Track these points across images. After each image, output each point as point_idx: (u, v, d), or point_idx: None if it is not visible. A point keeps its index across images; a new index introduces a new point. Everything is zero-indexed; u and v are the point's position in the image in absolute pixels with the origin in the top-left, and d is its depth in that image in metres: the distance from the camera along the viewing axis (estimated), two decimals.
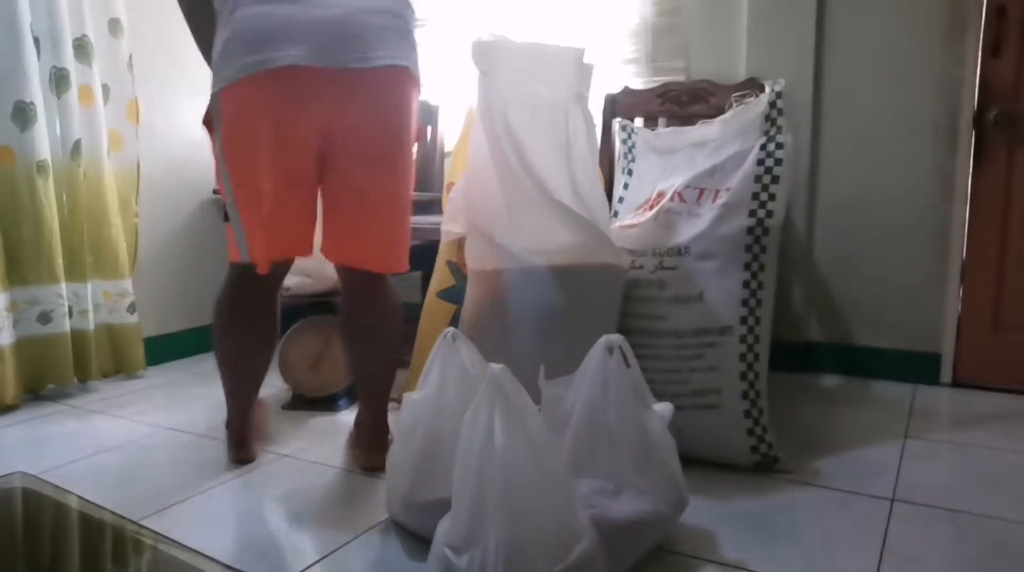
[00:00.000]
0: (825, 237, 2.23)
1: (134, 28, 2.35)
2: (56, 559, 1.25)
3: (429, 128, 2.78)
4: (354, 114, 1.40)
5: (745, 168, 1.57)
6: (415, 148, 1.51)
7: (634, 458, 1.17)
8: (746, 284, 1.54)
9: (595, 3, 2.52)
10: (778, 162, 1.55)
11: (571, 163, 1.53)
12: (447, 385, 1.24)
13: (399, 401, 1.87)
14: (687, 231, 1.59)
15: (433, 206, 2.53)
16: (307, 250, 1.52)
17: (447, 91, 2.77)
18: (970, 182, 2.03)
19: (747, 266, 1.54)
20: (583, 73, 1.56)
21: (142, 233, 2.45)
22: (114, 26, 2.30)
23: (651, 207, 1.70)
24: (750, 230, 1.55)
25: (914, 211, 2.11)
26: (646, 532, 1.17)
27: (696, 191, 1.63)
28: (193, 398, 2.15)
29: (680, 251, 1.58)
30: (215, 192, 2.68)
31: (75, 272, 2.23)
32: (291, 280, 2.09)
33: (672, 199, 1.64)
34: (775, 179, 1.55)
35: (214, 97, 1.40)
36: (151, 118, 2.46)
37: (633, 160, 1.93)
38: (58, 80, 2.14)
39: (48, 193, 2.11)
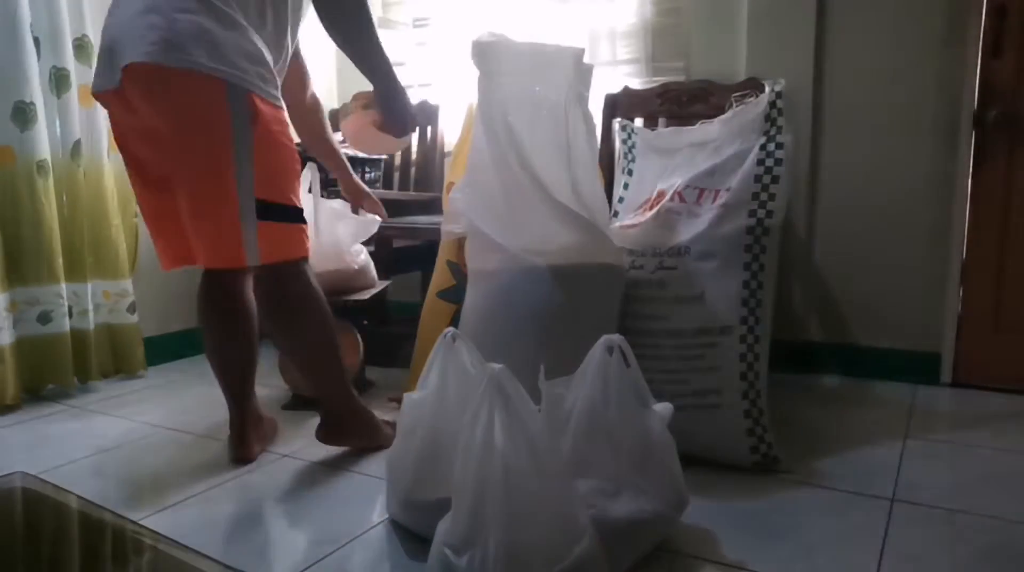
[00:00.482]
0: (825, 237, 2.23)
1: None
2: (56, 559, 1.25)
3: (429, 128, 2.79)
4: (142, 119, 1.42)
5: (745, 168, 1.57)
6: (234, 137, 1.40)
7: (634, 458, 1.17)
8: (746, 284, 1.54)
9: (595, 3, 2.52)
10: (778, 162, 1.55)
11: (571, 163, 1.53)
12: (447, 385, 1.24)
13: (399, 401, 1.87)
14: (687, 231, 1.59)
15: (433, 206, 2.53)
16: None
17: (447, 91, 2.77)
18: (970, 182, 2.03)
19: (747, 266, 1.54)
20: (583, 73, 1.56)
21: (142, 233, 2.45)
22: None
23: (651, 207, 1.70)
24: (750, 230, 1.55)
25: (914, 211, 2.11)
26: (646, 532, 1.17)
27: (696, 191, 1.63)
28: (193, 398, 2.15)
29: (680, 251, 1.58)
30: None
31: (75, 272, 2.22)
32: None
33: (672, 199, 1.64)
34: (775, 179, 1.55)
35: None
36: None
37: (633, 160, 1.93)
38: (58, 80, 2.14)
39: (48, 193, 2.11)
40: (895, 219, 2.13)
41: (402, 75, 3.12)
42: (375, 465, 1.60)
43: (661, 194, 1.70)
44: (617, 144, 2.00)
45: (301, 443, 1.76)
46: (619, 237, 1.65)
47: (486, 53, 1.52)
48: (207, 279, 1.62)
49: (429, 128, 2.78)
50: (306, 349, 1.58)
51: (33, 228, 2.10)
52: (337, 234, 2.01)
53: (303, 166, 1.68)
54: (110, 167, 2.28)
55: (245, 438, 1.67)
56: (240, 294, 1.64)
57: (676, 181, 1.67)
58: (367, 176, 2.46)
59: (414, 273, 2.67)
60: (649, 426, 1.19)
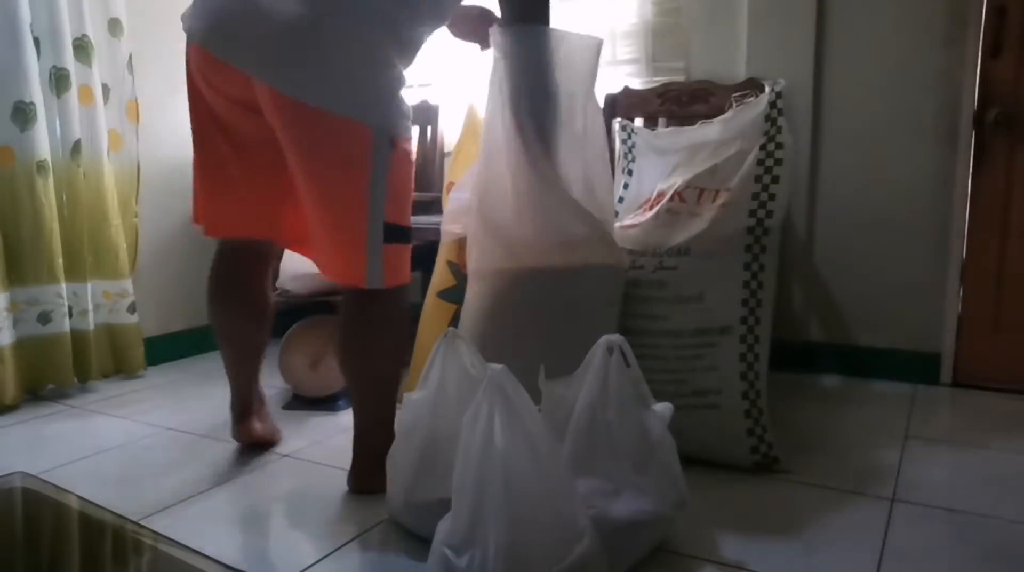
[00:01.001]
0: (825, 237, 2.23)
1: (134, 28, 2.35)
2: (56, 559, 1.25)
3: (429, 128, 2.78)
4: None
5: (745, 168, 1.57)
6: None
7: (634, 458, 1.17)
8: (746, 284, 1.54)
9: (595, 3, 2.52)
10: (778, 162, 1.55)
11: (585, 155, 1.52)
12: (447, 385, 1.24)
13: (399, 401, 1.87)
14: (687, 231, 1.59)
15: (433, 206, 2.53)
16: (254, 230, 1.52)
17: (447, 91, 2.77)
18: (970, 182, 2.03)
19: (747, 266, 1.54)
20: (597, 66, 1.54)
21: (142, 233, 2.45)
22: (114, 26, 2.30)
23: (651, 207, 1.70)
24: (750, 230, 1.55)
25: (914, 211, 2.11)
26: (646, 532, 1.17)
27: (696, 191, 1.63)
28: (193, 398, 2.15)
29: (680, 251, 1.58)
30: None
31: (75, 272, 2.22)
32: (290, 281, 2.10)
33: (672, 199, 1.64)
34: (775, 179, 1.55)
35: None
36: (151, 118, 2.45)
37: (633, 160, 1.93)
38: (58, 80, 2.14)
39: (48, 193, 2.11)
40: (895, 219, 2.13)
41: None
42: None
43: (661, 194, 1.70)
44: (617, 144, 2.00)
45: (301, 443, 1.76)
46: (619, 237, 1.65)
47: (507, 37, 1.48)
48: (228, 257, 1.57)
49: (429, 128, 2.78)
50: (374, 376, 1.48)
51: (33, 228, 2.10)
52: None
53: None
54: (110, 167, 2.28)
55: (246, 415, 1.66)
56: (262, 277, 1.61)
57: (676, 181, 1.67)
58: None
59: (414, 273, 2.67)
60: (649, 426, 1.19)
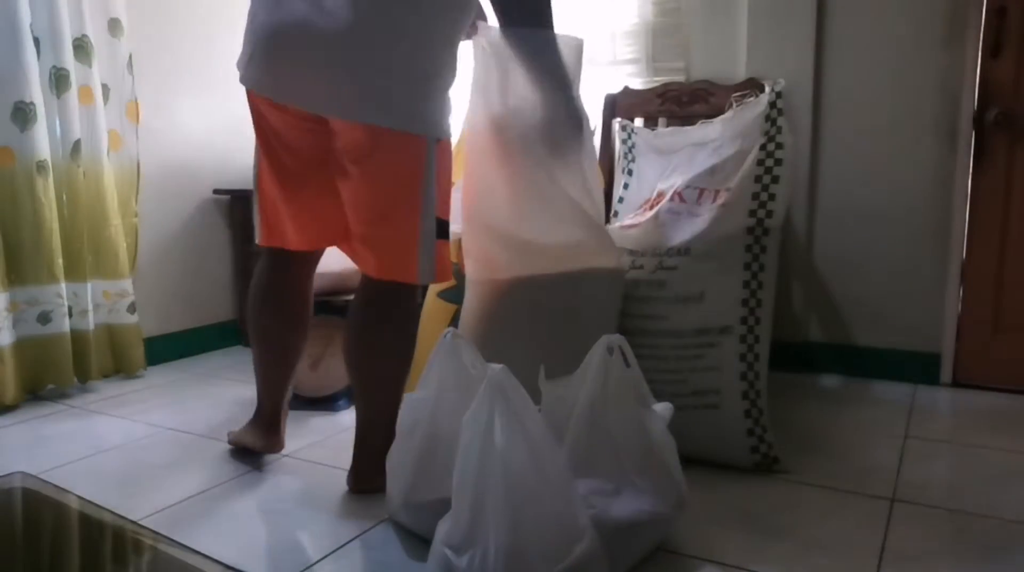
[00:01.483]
0: (825, 237, 2.23)
1: (134, 28, 2.35)
2: (56, 559, 1.25)
3: None
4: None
5: (745, 168, 1.57)
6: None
7: (634, 458, 1.17)
8: (746, 284, 1.54)
9: (595, 3, 2.52)
10: (778, 162, 1.55)
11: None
12: (447, 385, 1.24)
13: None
14: (687, 231, 1.59)
15: None
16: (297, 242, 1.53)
17: None
18: (970, 182, 2.03)
19: (747, 266, 1.54)
20: (581, 66, 1.54)
21: (142, 233, 2.45)
22: (114, 26, 2.30)
23: (651, 207, 1.70)
24: (750, 230, 1.55)
25: (914, 211, 2.11)
26: (646, 532, 1.17)
27: (696, 191, 1.63)
28: (193, 398, 2.15)
29: (680, 251, 1.58)
30: (216, 192, 2.69)
31: (75, 272, 2.22)
32: None
33: (672, 199, 1.64)
34: (775, 179, 1.55)
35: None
36: (151, 118, 2.45)
37: (633, 160, 1.93)
38: (58, 80, 2.14)
39: (48, 193, 2.11)
40: (895, 219, 2.13)
41: None
42: None
43: (661, 194, 1.70)
44: (617, 144, 2.00)
45: (301, 443, 1.76)
46: (619, 237, 1.65)
47: (493, 39, 1.48)
48: (274, 263, 1.58)
49: None
50: (386, 371, 1.48)
51: (33, 228, 2.10)
52: None
53: None
54: (110, 167, 2.28)
55: (276, 426, 1.64)
56: (306, 282, 1.62)
57: (676, 181, 1.67)
58: None
59: None
60: (649, 426, 1.19)
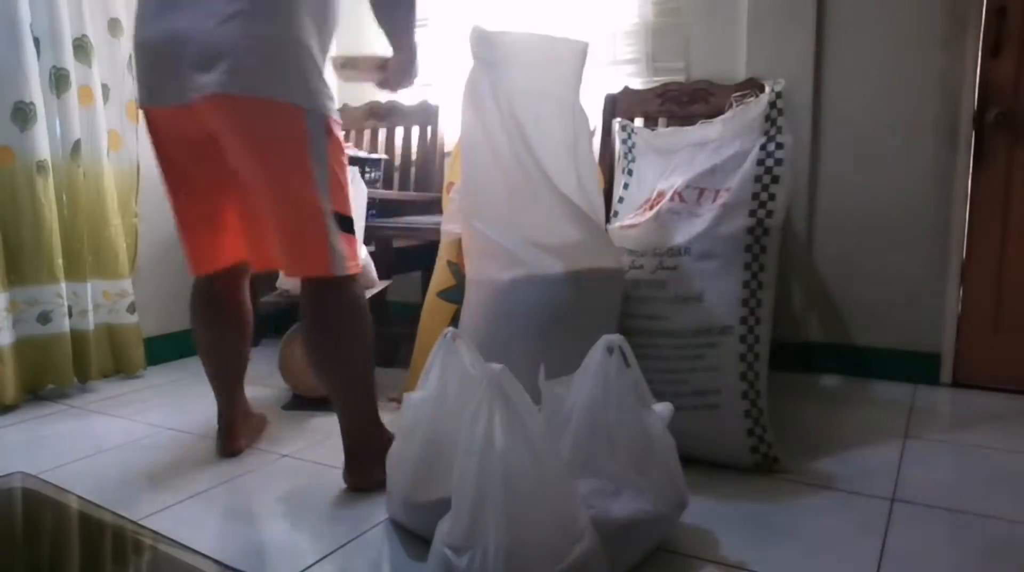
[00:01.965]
0: (825, 237, 2.23)
1: (134, 28, 2.35)
2: (56, 559, 1.25)
3: (429, 128, 2.79)
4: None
5: (745, 168, 1.57)
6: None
7: (634, 458, 1.17)
8: (746, 284, 1.54)
9: (595, 3, 2.52)
10: (778, 162, 1.55)
11: (577, 160, 1.52)
12: (447, 385, 1.24)
13: (399, 401, 1.87)
14: (687, 231, 1.59)
15: (433, 206, 2.53)
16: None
17: (447, 91, 2.77)
18: (970, 182, 2.03)
19: (747, 266, 1.54)
20: (584, 69, 1.55)
21: (142, 233, 2.45)
22: (114, 26, 2.30)
23: (651, 207, 1.70)
24: (750, 230, 1.55)
25: (914, 211, 2.11)
26: (646, 532, 1.17)
27: (696, 191, 1.63)
28: (193, 398, 2.15)
29: (680, 251, 1.58)
30: None
31: (75, 272, 2.22)
32: (290, 282, 2.10)
33: (672, 199, 1.64)
34: (775, 179, 1.55)
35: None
36: None
37: (633, 160, 1.93)
38: (58, 80, 2.14)
39: (48, 193, 2.11)
40: (895, 219, 2.13)
41: None
42: None
43: (661, 194, 1.70)
44: (617, 144, 2.00)
45: (301, 443, 1.76)
46: (619, 237, 1.65)
47: (491, 42, 1.49)
48: (205, 280, 1.65)
49: (429, 128, 2.78)
50: (349, 365, 1.49)
51: (33, 228, 2.10)
52: None
53: None
54: (110, 167, 2.28)
55: (232, 432, 1.70)
56: (240, 291, 1.68)
57: (676, 181, 1.67)
58: (367, 176, 2.46)
59: (414, 273, 2.67)
60: (649, 426, 1.19)
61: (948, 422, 1.87)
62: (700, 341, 1.54)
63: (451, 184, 2.03)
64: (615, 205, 1.92)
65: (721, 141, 1.65)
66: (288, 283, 2.10)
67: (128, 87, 2.34)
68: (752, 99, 1.63)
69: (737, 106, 1.65)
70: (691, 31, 2.36)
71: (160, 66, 1.40)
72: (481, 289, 1.58)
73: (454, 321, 1.76)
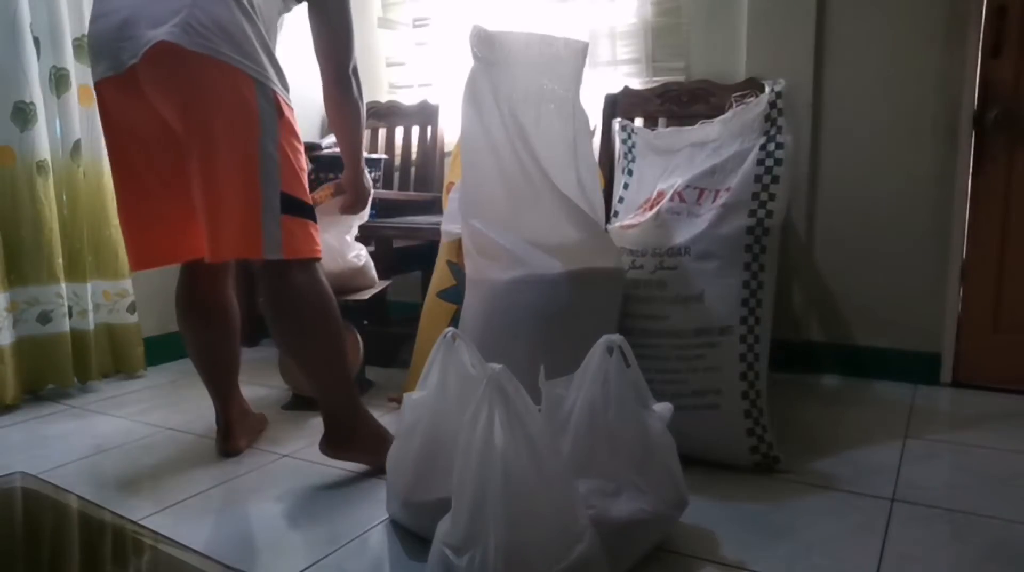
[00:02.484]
0: (825, 237, 2.23)
1: None
2: (56, 559, 1.25)
3: (429, 128, 2.79)
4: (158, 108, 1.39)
5: (745, 168, 1.57)
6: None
7: (634, 458, 1.17)
8: (746, 284, 1.54)
9: (595, 3, 2.52)
10: (778, 162, 1.55)
11: (577, 160, 1.52)
12: (447, 385, 1.24)
13: (399, 401, 1.87)
14: (687, 231, 1.59)
15: (433, 206, 2.53)
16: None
17: (447, 91, 2.77)
18: (970, 182, 2.03)
19: (747, 266, 1.54)
20: (583, 68, 1.55)
21: None
22: None
23: (651, 207, 1.70)
24: (750, 230, 1.55)
25: (914, 211, 2.11)
26: (646, 532, 1.17)
27: (696, 191, 1.63)
28: (193, 398, 2.15)
29: (680, 251, 1.58)
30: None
31: (75, 272, 2.22)
32: None
33: (672, 199, 1.64)
34: (775, 179, 1.55)
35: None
36: None
37: (633, 160, 1.93)
38: (58, 80, 2.14)
39: (48, 193, 2.11)
40: (895, 219, 2.13)
41: (402, 75, 3.11)
42: None
43: (661, 194, 1.70)
44: (617, 144, 2.00)
45: (301, 443, 1.76)
46: (619, 237, 1.65)
47: (491, 42, 1.48)
48: (187, 279, 1.64)
49: (429, 128, 2.78)
50: (315, 350, 1.50)
51: (33, 228, 2.10)
52: (337, 234, 2.01)
53: None
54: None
55: (231, 432, 1.70)
56: (222, 291, 1.66)
57: (676, 181, 1.67)
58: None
59: (414, 273, 2.67)
60: (649, 426, 1.19)
61: (948, 422, 1.87)
62: (700, 341, 1.54)
63: (451, 184, 2.03)
64: (615, 205, 1.92)
65: (721, 141, 1.65)
66: None
67: None
68: (752, 99, 1.63)
69: (737, 106, 1.65)
70: (691, 31, 2.36)
71: (109, 36, 1.37)
72: (481, 289, 1.58)
73: (454, 321, 1.76)
